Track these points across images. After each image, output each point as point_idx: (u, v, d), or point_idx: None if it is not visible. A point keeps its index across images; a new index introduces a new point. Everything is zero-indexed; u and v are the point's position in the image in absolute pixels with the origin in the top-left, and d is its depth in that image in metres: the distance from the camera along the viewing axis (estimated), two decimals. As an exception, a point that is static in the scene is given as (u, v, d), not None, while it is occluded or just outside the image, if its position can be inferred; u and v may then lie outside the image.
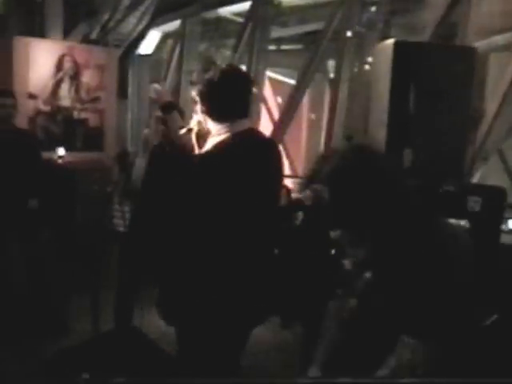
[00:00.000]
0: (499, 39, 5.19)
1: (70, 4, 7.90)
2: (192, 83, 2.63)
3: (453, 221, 3.52)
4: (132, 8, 8.34)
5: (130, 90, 9.24)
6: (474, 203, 3.76)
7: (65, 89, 7.59)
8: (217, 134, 2.58)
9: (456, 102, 3.94)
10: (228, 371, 2.56)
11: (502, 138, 5.67)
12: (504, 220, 4.11)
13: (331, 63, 7.97)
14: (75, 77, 7.66)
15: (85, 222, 6.28)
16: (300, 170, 9.58)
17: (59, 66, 7.50)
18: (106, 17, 8.33)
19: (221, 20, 8.76)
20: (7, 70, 7.00)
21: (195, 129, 2.66)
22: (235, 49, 7.69)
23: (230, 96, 2.56)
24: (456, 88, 3.93)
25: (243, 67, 6.56)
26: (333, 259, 3.34)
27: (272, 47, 8.75)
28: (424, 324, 1.94)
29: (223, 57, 8.93)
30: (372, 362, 2.02)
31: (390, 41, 3.99)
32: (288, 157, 9.30)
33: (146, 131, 2.98)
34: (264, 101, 9.41)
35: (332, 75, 7.78)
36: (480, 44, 4.92)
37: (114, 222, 4.96)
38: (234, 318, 2.50)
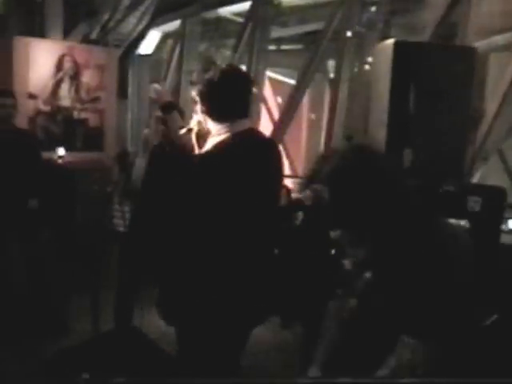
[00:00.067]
0: (499, 39, 5.19)
1: (69, 4, 7.90)
2: (192, 83, 2.63)
3: (453, 221, 3.52)
4: (132, 8, 8.34)
5: (130, 89, 9.24)
6: (474, 203, 3.76)
7: (65, 89, 7.59)
8: (217, 133, 2.58)
9: (456, 102, 3.94)
10: (228, 371, 2.56)
11: (501, 138, 5.67)
12: (504, 220, 4.11)
13: (331, 63, 7.98)
14: (75, 77, 7.66)
15: (85, 222, 6.28)
16: (300, 170, 9.58)
17: (59, 66, 7.50)
18: (105, 17, 8.33)
19: (221, 20, 8.76)
20: (7, 70, 7.00)
21: (195, 129, 2.66)
22: (235, 49, 7.70)
23: (230, 96, 2.56)
24: (456, 88, 3.93)
25: (243, 67, 6.56)
26: (333, 259, 3.34)
27: (272, 47, 8.75)
28: (424, 324, 1.94)
29: (223, 57, 8.92)
30: (372, 362, 2.01)
31: (390, 41, 3.99)
32: (288, 157, 9.30)
33: (146, 131, 2.98)
34: (264, 101, 9.41)
35: (332, 75, 7.78)
36: (480, 44, 4.92)
37: (114, 222, 4.96)
38: (234, 318, 2.50)
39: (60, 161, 6.90)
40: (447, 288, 1.95)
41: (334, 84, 7.01)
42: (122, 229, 4.72)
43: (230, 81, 2.55)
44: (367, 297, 2.14)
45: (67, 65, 7.57)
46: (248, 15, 7.65)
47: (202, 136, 2.65)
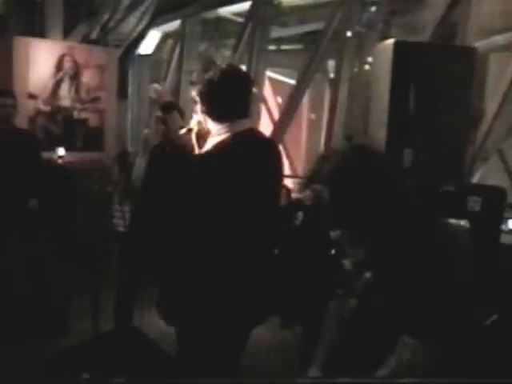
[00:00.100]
0: (499, 39, 5.19)
1: (70, 4, 7.90)
2: (192, 83, 2.63)
3: (453, 221, 3.52)
4: (132, 8, 8.34)
5: (130, 90, 9.24)
6: (474, 203, 3.76)
7: (65, 89, 7.59)
8: (217, 133, 2.58)
9: (456, 102, 3.94)
10: (228, 371, 2.56)
11: (501, 138, 5.67)
12: (504, 220, 4.11)
13: (331, 63, 7.98)
14: (75, 77, 7.66)
15: (85, 222, 6.28)
16: (300, 170, 9.58)
17: (59, 66, 7.50)
18: (106, 17, 8.33)
19: (221, 20, 8.76)
20: (7, 70, 7.00)
21: (195, 129, 2.66)
22: (235, 49, 7.70)
23: (230, 96, 2.56)
24: (456, 88, 3.93)
25: (243, 67, 6.56)
26: (333, 259, 3.34)
27: (272, 47, 8.75)
28: (424, 324, 1.94)
29: (223, 57, 8.92)
30: (372, 361, 2.01)
31: (390, 41, 3.99)
32: (288, 157, 9.30)
33: (146, 131, 2.98)
34: (264, 101, 9.41)
35: (332, 75, 7.78)
36: (480, 44, 4.92)
37: (114, 222, 4.96)
38: (234, 318, 2.50)
39: (60, 161, 6.90)
40: (447, 288, 1.95)
41: (334, 84, 7.01)
42: (121, 229, 4.72)
43: (230, 81, 2.55)
44: (367, 297, 2.14)
45: (67, 65, 7.57)
46: (248, 15, 7.65)
47: (202, 136, 2.65)
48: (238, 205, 2.43)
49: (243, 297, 2.50)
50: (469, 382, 1.60)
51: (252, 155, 2.50)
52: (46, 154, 5.74)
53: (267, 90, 9.99)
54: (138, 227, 4.31)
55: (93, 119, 7.90)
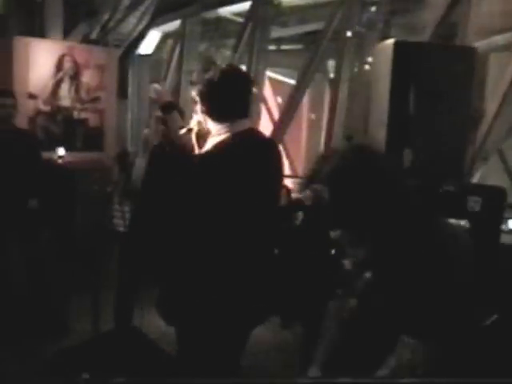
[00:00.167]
0: (499, 39, 5.19)
1: (70, 4, 7.90)
2: (192, 83, 2.63)
3: (453, 221, 3.52)
4: (132, 8, 8.34)
5: (130, 90, 9.24)
6: (474, 203, 3.76)
7: (65, 89, 7.59)
8: (217, 134, 2.58)
9: (456, 103, 3.93)
10: (228, 371, 2.56)
11: (501, 138, 5.67)
12: (504, 220, 4.11)
13: (331, 63, 7.98)
14: (75, 77, 7.66)
15: (85, 222, 6.28)
16: (300, 170, 9.57)
17: (59, 66, 7.50)
18: (106, 17, 8.33)
19: (221, 20, 8.76)
20: (7, 70, 7.00)
21: (195, 129, 2.67)
22: (235, 49, 7.69)
23: (230, 96, 2.56)
24: (456, 88, 3.93)
25: (243, 67, 6.56)
26: (333, 259, 3.34)
27: (272, 47, 8.75)
28: (424, 324, 1.94)
29: (223, 57, 8.92)
30: (372, 362, 2.01)
31: (390, 41, 3.99)
32: (288, 157, 9.30)
33: (146, 131, 2.98)
34: (264, 101, 9.41)
35: (332, 75, 7.78)
36: (480, 44, 4.92)
37: (114, 222, 4.96)
38: (234, 318, 2.50)
39: (60, 161, 6.90)
40: (447, 288, 1.95)
41: (334, 84, 7.01)
42: (122, 229, 4.72)
43: (230, 81, 2.55)
44: (367, 297, 2.14)
45: (67, 65, 7.57)
46: (248, 15, 7.65)
47: (202, 136, 2.65)
48: (237, 205, 2.43)
49: (243, 297, 2.50)
50: (469, 382, 1.60)
51: (252, 155, 2.50)
52: (46, 154, 5.74)
53: (267, 90, 9.99)
54: (138, 227, 4.31)
55: (93, 119, 7.90)
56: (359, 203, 2.01)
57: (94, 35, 8.36)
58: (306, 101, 9.56)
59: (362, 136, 4.81)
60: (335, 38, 6.86)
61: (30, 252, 4.87)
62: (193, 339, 2.56)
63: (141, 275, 4.34)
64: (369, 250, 2.14)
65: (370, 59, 6.71)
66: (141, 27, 8.66)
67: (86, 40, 8.24)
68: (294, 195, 5.58)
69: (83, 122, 7.81)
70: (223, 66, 2.60)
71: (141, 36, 8.85)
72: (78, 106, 7.73)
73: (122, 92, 8.75)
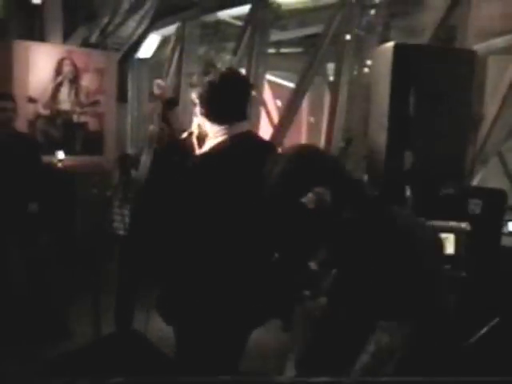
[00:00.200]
0: (499, 42, 5.19)
1: (69, 8, 7.91)
2: (192, 85, 2.64)
3: (453, 223, 3.53)
4: (131, 12, 8.34)
5: (129, 93, 9.24)
6: (475, 206, 3.76)
7: (64, 92, 7.60)
8: (214, 136, 2.59)
9: (456, 105, 3.94)
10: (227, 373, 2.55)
11: (501, 141, 5.67)
12: (504, 222, 4.11)
13: (331, 66, 7.97)
14: (75, 80, 7.67)
15: (84, 226, 6.28)
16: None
17: (59, 70, 7.51)
18: (105, 20, 8.33)
19: (220, 23, 8.77)
20: (7, 74, 7.00)
21: (196, 132, 2.68)
22: (235, 52, 7.69)
23: (229, 99, 2.58)
24: (456, 90, 3.93)
25: (243, 70, 6.56)
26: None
27: (271, 50, 8.75)
28: (396, 308, 1.96)
29: (223, 60, 8.93)
30: (347, 356, 2.03)
31: (390, 43, 3.99)
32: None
33: (151, 127, 2.98)
34: (263, 104, 9.40)
35: (331, 78, 7.77)
36: (479, 47, 4.92)
37: (113, 226, 4.96)
38: (233, 319, 2.50)
39: (60, 164, 6.90)
40: (412, 271, 1.98)
41: (334, 87, 7.01)
42: (121, 232, 4.72)
43: (229, 84, 2.57)
44: (336, 293, 2.16)
45: (67, 68, 7.58)
46: (247, 18, 7.65)
47: (203, 139, 2.66)
48: (234, 206, 2.43)
49: (242, 297, 2.50)
50: (469, 382, 1.59)
51: (249, 157, 2.51)
52: (45, 158, 5.74)
53: (267, 94, 10.00)
54: (138, 227, 4.31)
55: (92, 123, 7.90)
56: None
57: (93, 39, 8.36)
58: (305, 104, 9.57)
59: (362, 139, 4.80)
60: (335, 41, 6.86)
61: (29, 255, 4.87)
62: (191, 340, 2.56)
63: (141, 276, 4.33)
64: (329, 248, 2.18)
65: (369, 62, 6.71)
66: (140, 31, 8.66)
67: (85, 44, 8.25)
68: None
69: (83, 125, 7.82)
70: (223, 69, 2.61)
71: (140, 39, 8.86)
72: (78, 109, 7.74)
73: (122, 96, 8.75)
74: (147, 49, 9.13)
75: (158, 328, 3.26)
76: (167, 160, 3.01)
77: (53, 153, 6.88)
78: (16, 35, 7.48)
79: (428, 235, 2.18)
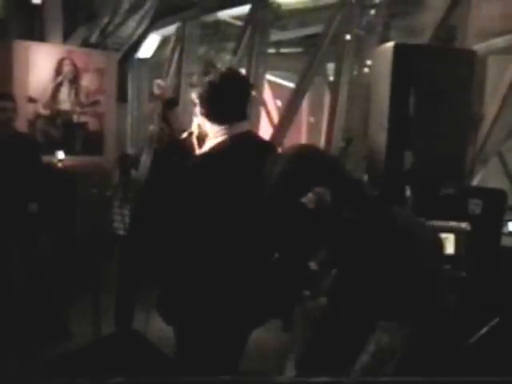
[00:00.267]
0: (499, 42, 5.19)
1: (69, 8, 7.91)
2: (192, 85, 2.64)
3: (453, 223, 3.53)
4: (131, 12, 8.34)
5: (129, 93, 9.24)
6: (475, 206, 3.76)
7: (64, 92, 7.60)
8: (214, 136, 2.59)
9: (456, 105, 3.94)
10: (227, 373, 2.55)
11: (501, 141, 5.67)
12: (504, 222, 4.11)
13: (331, 66, 7.96)
14: (75, 80, 7.67)
15: (84, 226, 6.28)
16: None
17: (59, 70, 7.51)
18: (105, 20, 8.33)
19: (220, 23, 8.77)
20: (7, 74, 7.00)
21: (196, 132, 2.68)
22: (235, 52, 7.69)
23: (229, 99, 2.58)
24: (456, 90, 3.93)
25: (243, 70, 6.56)
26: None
27: (271, 50, 8.75)
28: (396, 308, 1.96)
29: (223, 60, 8.93)
30: (348, 356, 2.03)
31: (390, 43, 3.99)
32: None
33: (151, 127, 2.98)
34: (263, 104, 9.40)
35: (331, 78, 7.77)
36: (479, 47, 4.92)
37: (113, 226, 4.96)
38: (233, 319, 2.50)
39: (60, 164, 6.90)
40: (412, 270, 1.97)
41: (334, 87, 7.01)
42: (121, 232, 4.72)
43: (229, 84, 2.57)
44: (336, 293, 2.16)
45: (67, 68, 7.58)
46: (247, 18, 7.65)
47: (203, 139, 2.66)
48: (235, 206, 2.43)
49: (241, 297, 2.50)
50: (469, 382, 1.60)
51: (249, 157, 2.51)
52: (45, 158, 5.74)
53: (267, 94, 10.00)
54: (138, 227, 4.30)
55: (92, 123, 7.90)
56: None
57: (93, 39, 8.36)
58: (305, 104, 9.57)
59: (362, 139, 4.80)
60: (335, 41, 6.86)
61: (29, 255, 4.86)
62: (191, 340, 2.55)
63: (141, 276, 4.33)
64: (329, 248, 2.18)
65: (369, 62, 6.71)
66: (140, 31, 8.66)
67: (85, 44, 8.25)
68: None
69: (83, 125, 7.82)
70: (223, 69, 2.62)
71: (140, 39, 8.86)
72: (78, 109, 7.74)
73: (122, 96, 8.75)
74: (147, 49, 9.13)
75: (158, 328, 3.26)
76: (167, 160, 3.01)
77: (53, 153, 6.88)
78: (16, 35, 7.48)
79: (428, 235, 2.18)
